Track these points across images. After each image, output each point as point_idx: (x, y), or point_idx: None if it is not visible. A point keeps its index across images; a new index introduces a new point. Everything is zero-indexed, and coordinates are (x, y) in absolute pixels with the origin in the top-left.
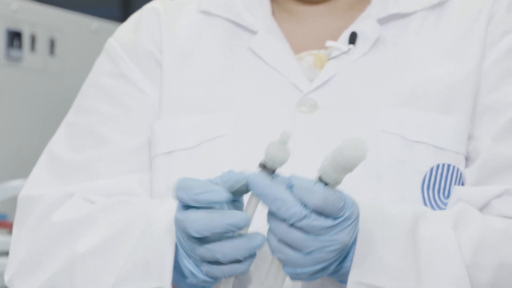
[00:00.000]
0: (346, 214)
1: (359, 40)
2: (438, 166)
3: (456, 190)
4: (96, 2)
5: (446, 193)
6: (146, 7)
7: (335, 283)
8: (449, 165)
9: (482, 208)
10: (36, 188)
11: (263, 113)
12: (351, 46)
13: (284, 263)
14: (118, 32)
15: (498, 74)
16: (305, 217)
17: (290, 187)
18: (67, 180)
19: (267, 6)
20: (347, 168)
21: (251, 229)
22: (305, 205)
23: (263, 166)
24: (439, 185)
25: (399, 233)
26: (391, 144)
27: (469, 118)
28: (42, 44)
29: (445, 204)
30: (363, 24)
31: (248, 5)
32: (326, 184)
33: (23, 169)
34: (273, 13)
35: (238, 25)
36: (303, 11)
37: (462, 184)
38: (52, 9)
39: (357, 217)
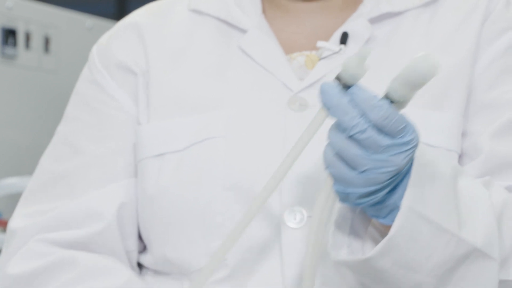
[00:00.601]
0: (406, 138)
1: (350, 40)
2: None
3: None
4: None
5: None
6: (126, 19)
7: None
8: None
9: None
10: (19, 214)
11: (253, 112)
12: (342, 46)
13: (336, 180)
14: (101, 38)
15: (497, 72)
16: (365, 130)
17: (353, 96)
18: (45, 195)
19: (258, 4)
20: (417, 83)
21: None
22: (367, 119)
23: (338, 79)
24: None
25: (446, 174)
26: None
27: (461, 114)
28: (37, 42)
29: None
30: (355, 24)
31: (239, 3)
32: (392, 102)
33: (18, 166)
34: (265, 11)
35: (228, 23)
36: (296, 9)
37: None
38: (46, 7)
39: (416, 145)
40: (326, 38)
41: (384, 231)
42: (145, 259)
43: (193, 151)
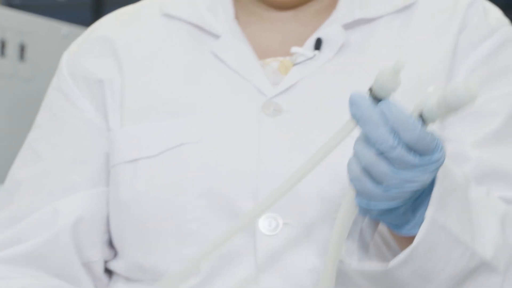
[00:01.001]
0: (435, 157)
1: (324, 46)
2: None
3: None
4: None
5: None
6: (94, 35)
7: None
8: None
9: None
10: None
11: (227, 118)
12: (316, 52)
13: (359, 194)
14: (71, 45)
15: (479, 80)
16: (396, 147)
17: (386, 112)
18: (6, 203)
19: (230, 9)
20: (454, 107)
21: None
22: (398, 136)
23: (370, 91)
24: None
25: (461, 187)
26: None
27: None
28: (12, 49)
29: None
30: (329, 30)
31: (211, 8)
32: (423, 121)
33: None
34: (237, 17)
35: (201, 28)
36: (269, 16)
37: None
38: (22, 14)
39: (442, 162)
40: (299, 44)
41: (390, 238)
42: (117, 266)
43: (167, 157)
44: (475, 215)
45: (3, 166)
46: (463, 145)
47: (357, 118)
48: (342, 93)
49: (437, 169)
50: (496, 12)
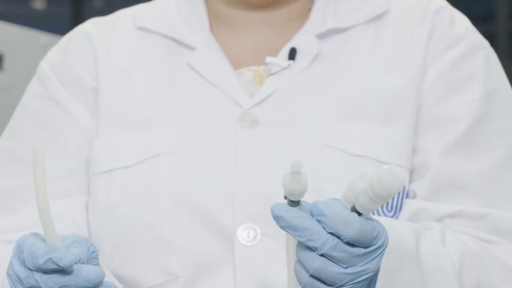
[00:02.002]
0: (379, 243)
1: (298, 56)
2: None
3: (409, 203)
4: (47, 16)
5: (389, 207)
6: (77, 30)
7: None
8: None
9: None
10: None
11: (203, 129)
12: (291, 62)
13: None
14: (49, 54)
15: (443, 87)
16: (337, 245)
17: (318, 215)
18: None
19: (204, 20)
20: (384, 197)
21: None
22: (338, 236)
23: (286, 199)
24: None
25: (410, 251)
26: (333, 158)
27: (411, 130)
28: None
29: (391, 218)
30: (303, 40)
31: (186, 20)
32: (359, 213)
33: None
34: (212, 28)
35: (176, 41)
36: (242, 21)
37: (407, 197)
38: (0, 24)
39: (387, 244)
40: (273, 53)
41: None
42: None
43: (142, 167)
44: (428, 274)
45: None
46: (429, 154)
47: (289, 230)
48: (317, 102)
49: (383, 252)
50: (463, 21)
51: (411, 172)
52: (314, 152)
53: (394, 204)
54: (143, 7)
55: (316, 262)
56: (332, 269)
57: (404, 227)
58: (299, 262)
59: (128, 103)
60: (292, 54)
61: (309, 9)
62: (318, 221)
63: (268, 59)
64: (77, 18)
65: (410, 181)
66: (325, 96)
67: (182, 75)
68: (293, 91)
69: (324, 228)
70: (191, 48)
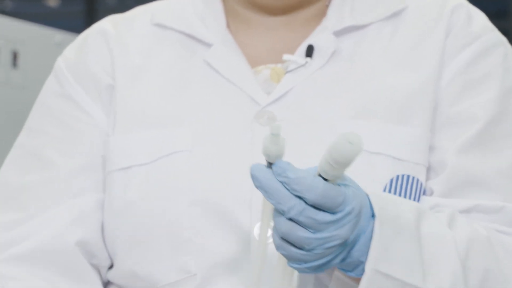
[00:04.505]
0: (347, 209)
1: (316, 53)
2: (397, 177)
3: (425, 200)
4: (61, 14)
5: None
6: (94, 28)
7: (330, 277)
8: (408, 176)
9: None
10: None
11: (220, 126)
12: (308, 59)
13: (288, 259)
14: (65, 51)
15: (460, 87)
16: (303, 211)
17: (283, 176)
18: (11, 206)
19: (221, 18)
20: (343, 163)
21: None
22: (303, 199)
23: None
24: (399, 195)
25: (408, 226)
26: None
27: (428, 129)
28: (4, 57)
29: None
30: (320, 37)
31: (202, 17)
32: (325, 178)
33: None
34: (229, 25)
35: (193, 38)
36: (260, 23)
37: (424, 194)
38: (15, 21)
39: (360, 212)
40: (290, 51)
41: (348, 279)
42: (110, 274)
43: (159, 165)
44: (428, 252)
45: None
46: (445, 153)
47: (262, 191)
48: (333, 100)
49: (356, 220)
50: (480, 18)
51: (428, 170)
52: None
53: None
54: (160, 4)
55: (284, 226)
56: (299, 234)
57: (406, 204)
58: (274, 226)
59: (145, 101)
60: (310, 51)
61: (327, 7)
62: (283, 183)
63: (286, 56)
64: (91, 16)
65: (427, 179)
66: (342, 94)
67: (199, 72)
68: (310, 88)
69: (291, 192)
70: (208, 45)
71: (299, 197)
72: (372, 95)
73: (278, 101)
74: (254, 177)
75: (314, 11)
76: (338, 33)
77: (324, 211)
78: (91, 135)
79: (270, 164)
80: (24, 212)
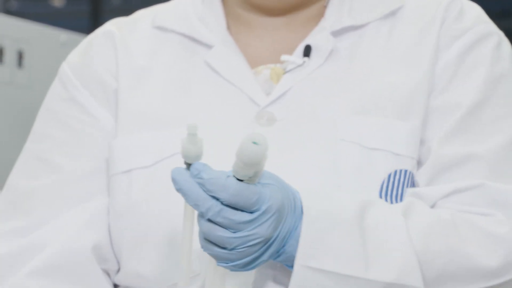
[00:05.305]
0: (263, 208)
1: (313, 53)
2: (396, 172)
3: (407, 191)
4: (66, 14)
5: (403, 198)
6: (99, 31)
7: (287, 273)
8: (405, 171)
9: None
10: None
11: (220, 127)
12: (306, 59)
13: (215, 259)
14: (70, 55)
15: (448, 77)
16: (219, 212)
17: (198, 178)
18: (21, 211)
19: (222, 20)
20: (249, 164)
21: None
22: (219, 200)
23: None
24: (397, 190)
25: (346, 218)
26: (349, 152)
27: (421, 122)
28: (10, 56)
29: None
30: (317, 37)
31: (203, 19)
32: (240, 179)
33: None
34: (229, 27)
35: (193, 39)
36: (260, 24)
37: (413, 186)
38: (20, 21)
39: (279, 210)
40: (290, 51)
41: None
42: (117, 277)
43: (161, 167)
44: (372, 242)
45: (2, 172)
46: (431, 142)
47: (181, 193)
48: (332, 99)
49: (275, 218)
50: (474, 11)
51: (418, 162)
52: (331, 146)
53: (401, 194)
54: (161, 7)
55: (204, 226)
56: (219, 234)
57: (347, 199)
58: (199, 227)
59: (146, 103)
60: (307, 51)
61: (325, 7)
62: (199, 184)
63: (284, 57)
64: (96, 16)
65: (417, 171)
66: (341, 92)
67: (200, 73)
68: (309, 88)
69: (207, 193)
70: (209, 46)
71: (216, 198)
72: (371, 93)
73: (277, 101)
74: (174, 180)
75: (314, 11)
76: (336, 33)
77: (242, 210)
78: (97, 139)
79: (187, 165)
80: (35, 217)
